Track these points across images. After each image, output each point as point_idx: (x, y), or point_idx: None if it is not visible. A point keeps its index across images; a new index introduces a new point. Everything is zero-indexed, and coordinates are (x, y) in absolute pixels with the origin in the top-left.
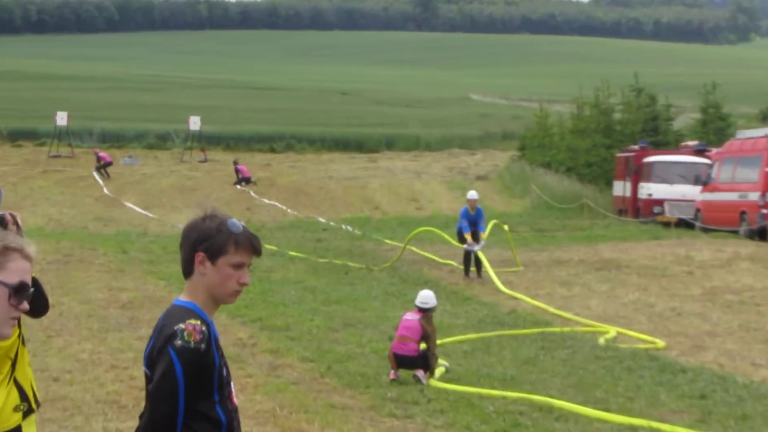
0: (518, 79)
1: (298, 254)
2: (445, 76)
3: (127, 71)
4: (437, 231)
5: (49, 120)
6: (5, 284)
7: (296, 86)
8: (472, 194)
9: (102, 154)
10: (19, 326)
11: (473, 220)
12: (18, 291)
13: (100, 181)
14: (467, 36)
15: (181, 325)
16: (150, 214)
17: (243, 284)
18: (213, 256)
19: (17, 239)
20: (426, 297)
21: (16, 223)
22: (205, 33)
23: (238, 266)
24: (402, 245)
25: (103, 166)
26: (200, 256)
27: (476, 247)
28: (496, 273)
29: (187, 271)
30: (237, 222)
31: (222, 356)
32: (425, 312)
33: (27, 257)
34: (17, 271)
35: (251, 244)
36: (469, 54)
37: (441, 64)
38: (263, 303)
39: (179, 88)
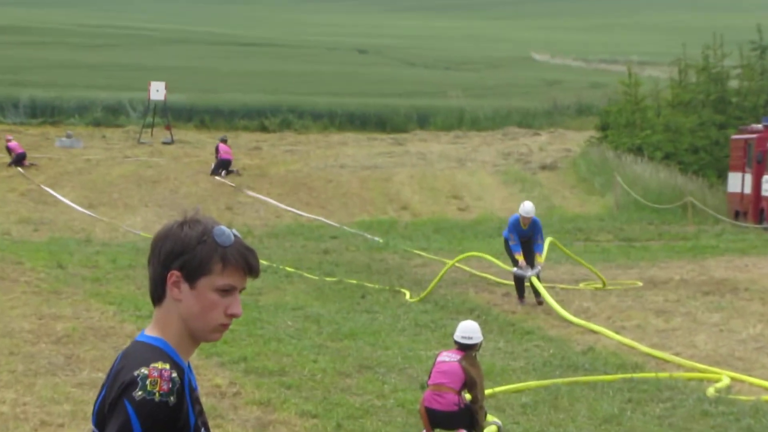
0: (598, 33)
1: (298, 270)
2: (499, 29)
3: (65, 20)
4: (490, 258)
5: None
6: None
7: (296, 41)
8: (527, 209)
9: (12, 143)
10: None
11: (526, 237)
12: None
13: (25, 174)
14: None
15: (144, 370)
16: (95, 215)
17: (232, 316)
18: (192, 276)
19: None
20: (469, 330)
21: None
22: None
23: (226, 291)
24: (442, 266)
25: (16, 161)
26: (174, 275)
27: (530, 273)
28: (569, 291)
29: (157, 295)
30: (227, 230)
31: (200, 413)
32: (468, 350)
33: None
34: None
35: (245, 262)
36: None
37: (493, 11)
38: (249, 337)
39: (136, 44)
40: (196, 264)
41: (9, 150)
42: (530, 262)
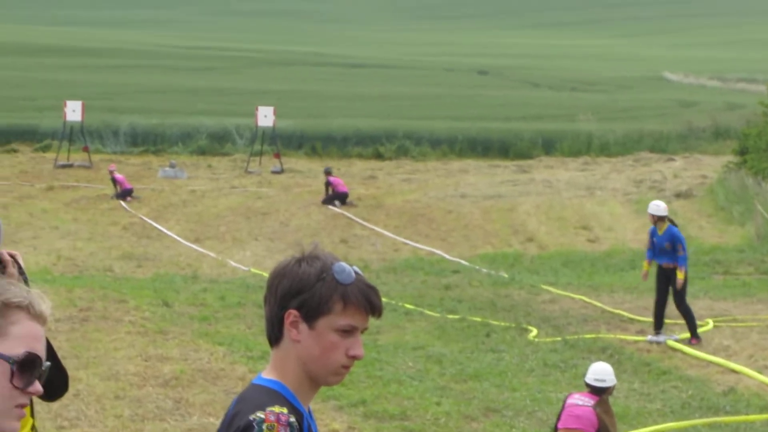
0: (735, 49)
1: (418, 308)
2: (628, 46)
3: (164, 41)
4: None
5: (55, 113)
6: (5, 358)
7: (410, 62)
8: (654, 206)
9: (119, 176)
10: (32, 414)
11: (661, 246)
12: (25, 367)
13: (127, 207)
14: None
15: (260, 414)
16: (202, 250)
17: (354, 357)
18: (311, 316)
19: (22, 291)
20: (602, 372)
21: (17, 266)
22: None
23: (347, 332)
24: (571, 302)
25: (121, 195)
26: (292, 315)
27: (662, 339)
28: (714, 326)
29: (274, 336)
30: (347, 267)
31: None
32: (601, 394)
33: (37, 317)
34: (23, 339)
35: (367, 301)
36: (662, 14)
37: (622, 28)
38: (368, 379)
39: (239, 66)
40: (316, 303)
41: (115, 182)
42: (667, 278)
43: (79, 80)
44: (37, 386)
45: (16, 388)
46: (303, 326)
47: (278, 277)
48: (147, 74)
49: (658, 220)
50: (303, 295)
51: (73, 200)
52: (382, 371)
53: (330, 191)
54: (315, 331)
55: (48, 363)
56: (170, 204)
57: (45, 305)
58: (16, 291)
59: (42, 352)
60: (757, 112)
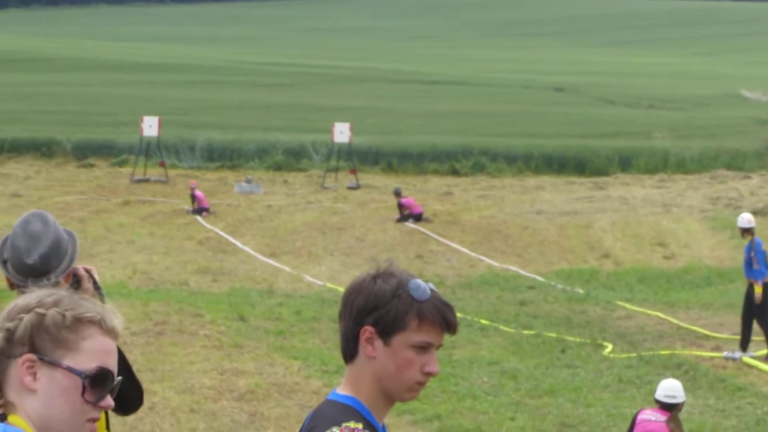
0: None
1: (493, 323)
2: (705, 64)
3: (241, 57)
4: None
5: (131, 129)
6: (77, 372)
7: (486, 79)
8: (739, 218)
9: (199, 193)
10: (107, 428)
11: (747, 259)
12: (97, 382)
13: (203, 221)
14: (737, 5)
15: (335, 429)
16: (278, 264)
17: (429, 374)
18: (386, 332)
19: (94, 306)
20: (672, 389)
21: (93, 280)
22: (353, 1)
23: (423, 348)
24: (647, 318)
25: (197, 211)
26: (368, 331)
27: (738, 355)
28: None
29: (349, 352)
30: (422, 284)
31: None
32: (672, 410)
33: (109, 332)
34: (95, 353)
35: (442, 318)
36: (739, 32)
37: (698, 46)
38: (443, 394)
39: (315, 82)
40: (391, 320)
41: (193, 198)
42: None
43: (157, 96)
44: (109, 401)
45: (88, 402)
46: (378, 342)
47: (354, 293)
48: (224, 90)
49: (744, 232)
50: (379, 312)
51: (149, 215)
52: (457, 386)
53: (404, 212)
54: (390, 348)
55: (120, 378)
56: (246, 219)
57: (117, 320)
58: (88, 306)
59: (114, 366)
60: None
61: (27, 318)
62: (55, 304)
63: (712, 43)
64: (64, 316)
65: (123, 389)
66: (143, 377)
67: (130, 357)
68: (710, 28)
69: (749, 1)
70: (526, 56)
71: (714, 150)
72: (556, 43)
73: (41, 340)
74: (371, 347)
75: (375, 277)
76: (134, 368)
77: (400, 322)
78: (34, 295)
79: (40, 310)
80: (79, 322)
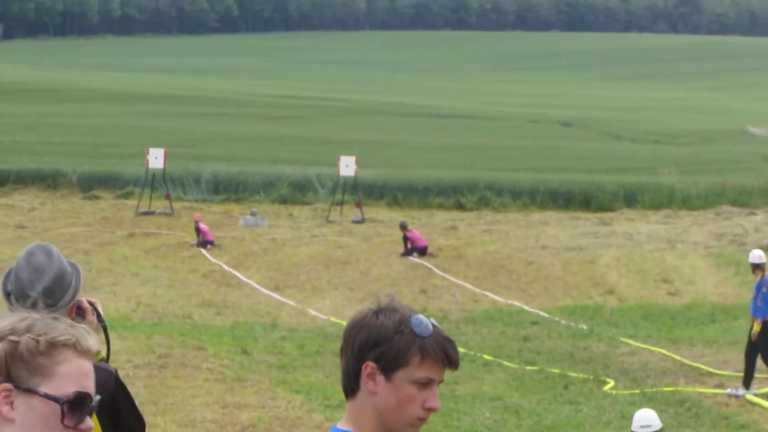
0: None
1: (496, 359)
2: (713, 100)
3: (247, 89)
4: None
5: (136, 160)
6: (55, 398)
7: (493, 113)
8: (753, 255)
9: (204, 226)
10: None
11: (755, 296)
12: (75, 406)
13: (207, 255)
14: (745, 40)
15: None
16: (282, 298)
17: (430, 409)
18: (388, 368)
19: (68, 328)
20: (645, 418)
21: (96, 313)
22: (360, 34)
23: (425, 384)
24: (650, 355)
25: (202, 244)
26: (369, 367)
27: (741, 393)
28: None
29: (350, 387)
30: (424, 319)
31: None
32: None
33: (85, 353)
34: (72, 377)
35: (444, 353)
36: (746, 67)
37: (707, 81)
38: (445, 429)
39: (323, 115)
40: (393, 356)
41: (198, 231)
42: (748, 363)
43: (164, 127)
44: (88, 422)
45: (68, 427)
46: (380, 378)
47: (355, 328)
48: (231, 122)
49: (755, 268)
50: (381, 348)
51: (153, 247)
52: (460, 422)
53: (408, 245)
54: (392, 383)
55: (98, 397)
56: (251, 252)
57: (92, 340)
58: (61, 328)
59: (91, 388)
60: None
61: (0, 347)
62: (28, 329)
63: (719, 78)
64: (38, 342)
65: (125, 422)
66: (145, 410)
67: (132, 390)
68: (718, 63)
69: (757, 36)
70: (534, 90)
71: (719, 186)
72: (563, 76)
73: (16, 368)
74: (373, 383)
75: (377, 313)
76: (136, 401)
77: (402, 358)
78: (7, 321)
79: (13, 338)
80: (54, 346)
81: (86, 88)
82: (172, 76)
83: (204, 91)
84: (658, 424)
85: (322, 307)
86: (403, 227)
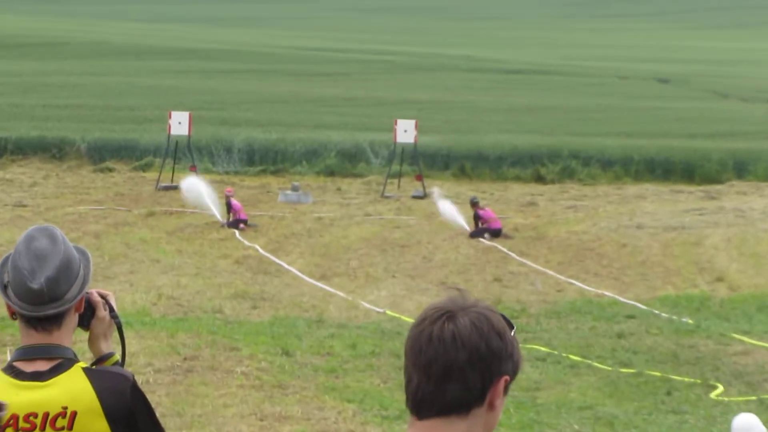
0: None
1: (585, 359)
2: None
3: (286, 42)
4: None
5: (157, 126)
6: None
7: (576, 68)
8: None
9: (236, 201)
10: None
11: None
12: None
13: (241, 237)
14: None
15: None
16: (329, 288)
17: None
18: (513, 380)
19: None
20: (746, 425)
21: (109, 307)
22: None
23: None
24: None
25: (233, 224)
26: (505, 380)
27: None
28: None
29: (468, 402)
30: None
31: None
32: None
33: None
34: None
35: None
36: None
37: None
38: None
39: (375, 72)
40: (517, 367)
41: (229, 208)
42: None
43: (188, 87)
44: None
45: None
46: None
47: (493, 334)
48: (266, 81)
49: None
50: (513, 358)
51: (177, 228)
52: None
53: (480, 224)
54: (505, 397)
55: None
56: (292, 234)
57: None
58: None
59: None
60: None
61: None
62: None
63: None
64: None
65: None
66: (168, 423)
67: (153, 399)
68: None
69: None
70: (623, 40)
71: None
72: (655, 24)
73: None
74: (502, 398)
75: (501, 316)
76: (158, 412)
77: (518, 369)
78: None
79: None
80: None
81: (96, 41)
82: (196, 26)
83: (233, 45)
84: (762, 429)
85: (377, 299)
86: (474, 204)
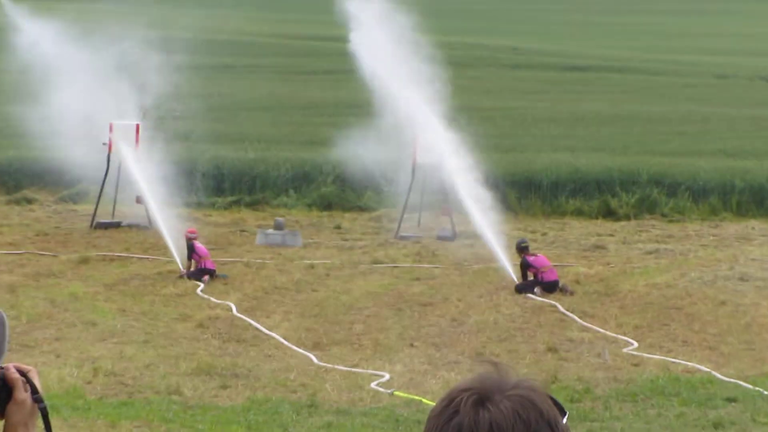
0: None
1: None
2: None
3: (266, 28)
4: None
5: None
6: None
7: (659, 64)
8: None
9: (200, 245)
10: None
11: None
12: None
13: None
14: None
15: None
16: (322, 363)
17: None
18: None
19: None
20: None
21: (31, 387)
22: None
23: None
24: None
25: (196, 275)
26: None
27: None
28: None
29: None
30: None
31: None
32: None
33: None
34: None
35: None
36: None
37: None
38: None
39: None
40: None
41: (192, 253)
42: None
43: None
44: None
45: None
46: None
47: (542, 425)
48: (242, 80)
49: None
50: None
51: (119, 280)
52: None
53: (528, 276)
54: None
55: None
56: (275, 288)
57: None
58: None
59: None
60: None
61: None
62: None
63: None
64: None
65: None
66: None
67: None
68: None
69: None
70: (722, 27)
71: None
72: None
73: None
74: None
75: (551, 399)
76: None
77: None
78: None
79: None
80: None
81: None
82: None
83: (193, 30)
84: None
85: (390, 376)
86: (522, 248)
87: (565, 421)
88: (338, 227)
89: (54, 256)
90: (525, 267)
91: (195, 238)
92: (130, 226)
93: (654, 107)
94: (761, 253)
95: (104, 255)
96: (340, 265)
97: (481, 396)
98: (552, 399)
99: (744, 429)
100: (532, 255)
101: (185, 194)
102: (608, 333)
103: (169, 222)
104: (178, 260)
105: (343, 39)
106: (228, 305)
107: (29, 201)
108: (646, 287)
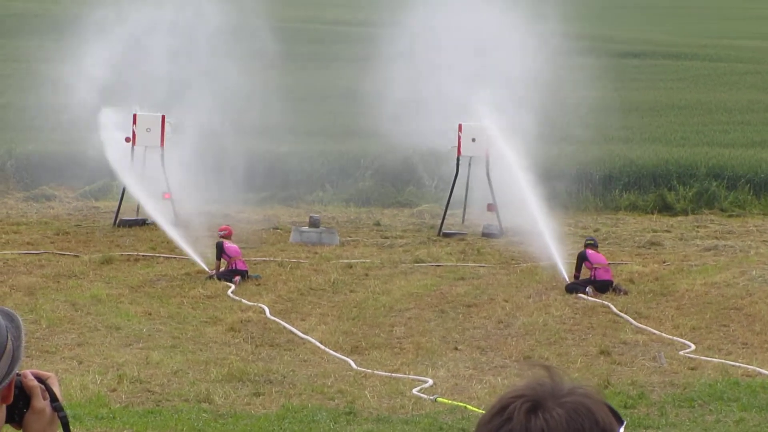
0: None
1: None
2: None
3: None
4: None
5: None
6: None
7: (721, 49)
8: None
9: (230, 244)
10: None
11: None
12: None
13: (237, 294)
14: None
15: None
16: (360, 368)
17: None
18: None
19: None
20: None
21: (50, 395)
22: None
23: None
24: None
25: (227, 275)
26: None
27: None
28: None
29: None
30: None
31: None
32: None
33: None
34: None
35: None
36: None
37: None
38: None
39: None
40: None
41: (221, 253)
42: None
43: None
44: None
45: None
46: None
47: None
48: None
49: None
50: None
51: (144, 281)
52: None
53: (583, 269)
54: None
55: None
56: (310, 289)
57: None
58: None
59: None
60: None
61: None
62: None
63: None
64: None
65: None
66: None
67: None
68: None
69: None
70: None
71: None
72: None
73: None
74: None
75: (607, 406)
76: None
77: None
78: None
79: None
80: None
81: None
82: None
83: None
84: None
85: (433, 382)
86: (587, 244)
87: (622, 430)
88: (377, 224)
89: (75, 256)
90: (581, 259)
91: (225, 236)
92: (154, 223)
93: (713, 95)
94: None
95: (128, 255)
96: (380, 264)
97: (534, 403)
98: (608, 407)
99: None
100: (593, 251)
101: (216, 188)
102: (664, 335)
103: (193, 220)
104: (199, 260)
105: (356, 23)
106: (261, 307)
107: (48, 198)
108: (704, 286)
